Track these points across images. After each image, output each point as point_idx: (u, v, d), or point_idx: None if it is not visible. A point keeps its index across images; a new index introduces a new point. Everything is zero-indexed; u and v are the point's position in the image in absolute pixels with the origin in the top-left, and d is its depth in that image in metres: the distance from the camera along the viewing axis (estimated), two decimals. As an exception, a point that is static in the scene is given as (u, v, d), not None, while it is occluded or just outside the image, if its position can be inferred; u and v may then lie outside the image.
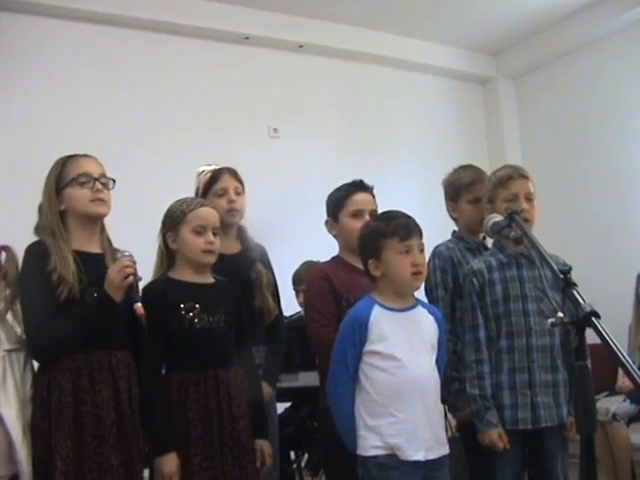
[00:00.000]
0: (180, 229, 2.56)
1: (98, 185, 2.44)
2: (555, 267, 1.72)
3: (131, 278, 2.31)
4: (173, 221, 2.59)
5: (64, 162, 2.48)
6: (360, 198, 2.81)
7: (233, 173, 3.01)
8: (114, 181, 2.52)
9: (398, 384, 2.31)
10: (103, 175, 2.48)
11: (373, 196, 2.87)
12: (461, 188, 3.09)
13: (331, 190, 2.92)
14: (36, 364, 2.42)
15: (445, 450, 2.38)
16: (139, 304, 2.29)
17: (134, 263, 2.36)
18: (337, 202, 2.84)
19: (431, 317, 2.47)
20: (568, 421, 2.62)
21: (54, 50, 4.61)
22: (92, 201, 2.43)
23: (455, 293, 2.94)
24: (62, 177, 2.45)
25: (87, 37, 4.72)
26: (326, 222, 2.89)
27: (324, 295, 2.71)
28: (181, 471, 2.37)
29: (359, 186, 2.85)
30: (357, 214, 2.77)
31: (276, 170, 5.14)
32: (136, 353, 2.43)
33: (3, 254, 2.46)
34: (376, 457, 2.30)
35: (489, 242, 3.01)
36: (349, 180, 2.90)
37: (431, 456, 2.31)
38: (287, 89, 5.45)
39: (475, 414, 2.63)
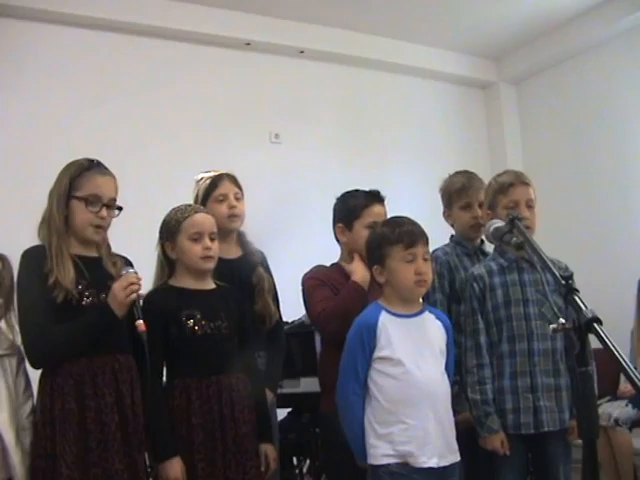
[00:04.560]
0: (177, 238, 2.56)
1: (103, 212, 2.44)
2: (557, 273, 1.71)
3: (134, 295, 2.32)
4: (169, 231, 2.59)
5: (83, 170, 2.45)
6: (378, 210, 2.77)
7: (232, 179, 3.01)
8: (120, 209, 2.52)
9: (407, 391, 2.30)
10: (112, 200, 2.48)
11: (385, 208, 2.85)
12: (452, 195, 3.09)
13: (332, 195, 2.91)
14: (30, 369, 2.42)
15: (457, 457, 2.37)
16: (140, 321, 2.29)
17: (139, 280, 2.36)
18: (353, 210, 2.78)
19: (439, 322, 2.47)
20: (570, 425, 2.61)
21: (54, 56, 4.61)
22: (92, 226, 2.43)
23: (451, 298, 2.94)
24: (75, 186, 2.43)
25: (87, 43, 4.72)
26: (337, 227, 2.84)
27: (322, 288, 2.71)
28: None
29: (377, 197, 2.81)
30: (373, 227, 2.74)
31: (277, 175, 5.14)
32: (138, 363, 2.42)
33: None
34: (388, 465, 2.28)
35: (487, 246, 3.01)
36: (350, 185, 2.89)
37: (443, 463, 2.31)
38: (288, 94, 5.46)
39: (476, 420, 2.63)
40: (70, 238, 2.45)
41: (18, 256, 2.41)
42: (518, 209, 2.66)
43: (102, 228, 2.47)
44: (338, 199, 2.89)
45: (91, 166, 2.48)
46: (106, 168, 2.51)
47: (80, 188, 2.43)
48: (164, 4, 4.91)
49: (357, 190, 2.86)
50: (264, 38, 5.28)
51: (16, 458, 2.27)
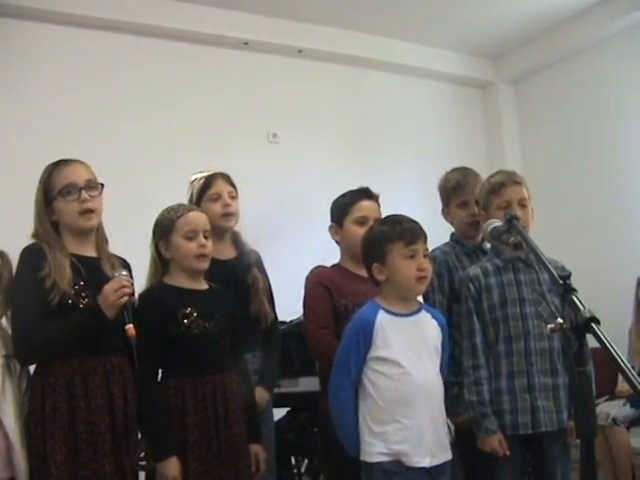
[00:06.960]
0: (171, 237, 2.56)
1: (84, 195, 2.42)
2: (554, 272, 1.71)
3: (126, 298, 2.31)
4: (163, 230, 2.58)
5: (50, 172, 2.46)
6: (366, 205, 2.82)
7: (226, 178, 3.01)
8: (102, 185, 2.50)
9: (404, 391, 2.31)
10: (89, 181, 2.46)
11: (378, 205, 2.87)
12: (448, 193, 3.09)
13: (330, 195, 2.92)
14: (31, 369, 2.42)
15: (448, 455, 2.38)
16: (130, 325, 2.28)
17: (131, 284, 2.36)
18: (342, 208, 2.84)
19: (435, 322, 2.48)
20: (568, 426, 2.61)
21: (56, 56, 4.61)
22: (80, 214, 2.41)
23: (451, 298, 2.94)
24: (49, 188, 2.44)
25: (88, 43, 4.71)
26: (330, 227, 2.89)
27: (320, 298, 2.73)
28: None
29: (365, 193, 2.86)
30: (362, 221, 2.77)
31: (275, 175, 5.13)
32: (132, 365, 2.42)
33: None
34: (380, 463, 2.29)
35: (488, 244, 3.00)
36: (348, 185, 2.91)
37: (435, 462, 2.32)
38: (286, 94, 5.45)
39: (473, 421, 2.63)
40: (66, 238, 2.44)
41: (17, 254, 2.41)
42: (511, 209, 2.64)
43: (91, 212, 2.44)
44: (332, 202, 2.92)
45: (55, 165, 2.48)
46: (71, 160, 2.50)
47: (54, 187, 2.43)
48: (162, 4, 4.90)
49: (348, 191, 2.89)
50: (262, 37, 5.28)
51: (20, 457, 2.27)
